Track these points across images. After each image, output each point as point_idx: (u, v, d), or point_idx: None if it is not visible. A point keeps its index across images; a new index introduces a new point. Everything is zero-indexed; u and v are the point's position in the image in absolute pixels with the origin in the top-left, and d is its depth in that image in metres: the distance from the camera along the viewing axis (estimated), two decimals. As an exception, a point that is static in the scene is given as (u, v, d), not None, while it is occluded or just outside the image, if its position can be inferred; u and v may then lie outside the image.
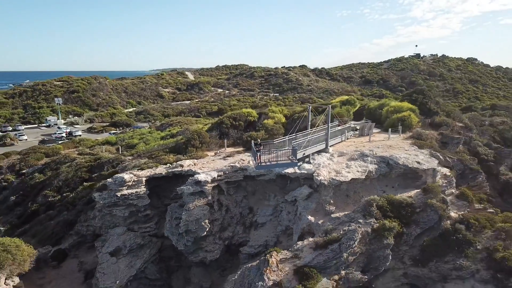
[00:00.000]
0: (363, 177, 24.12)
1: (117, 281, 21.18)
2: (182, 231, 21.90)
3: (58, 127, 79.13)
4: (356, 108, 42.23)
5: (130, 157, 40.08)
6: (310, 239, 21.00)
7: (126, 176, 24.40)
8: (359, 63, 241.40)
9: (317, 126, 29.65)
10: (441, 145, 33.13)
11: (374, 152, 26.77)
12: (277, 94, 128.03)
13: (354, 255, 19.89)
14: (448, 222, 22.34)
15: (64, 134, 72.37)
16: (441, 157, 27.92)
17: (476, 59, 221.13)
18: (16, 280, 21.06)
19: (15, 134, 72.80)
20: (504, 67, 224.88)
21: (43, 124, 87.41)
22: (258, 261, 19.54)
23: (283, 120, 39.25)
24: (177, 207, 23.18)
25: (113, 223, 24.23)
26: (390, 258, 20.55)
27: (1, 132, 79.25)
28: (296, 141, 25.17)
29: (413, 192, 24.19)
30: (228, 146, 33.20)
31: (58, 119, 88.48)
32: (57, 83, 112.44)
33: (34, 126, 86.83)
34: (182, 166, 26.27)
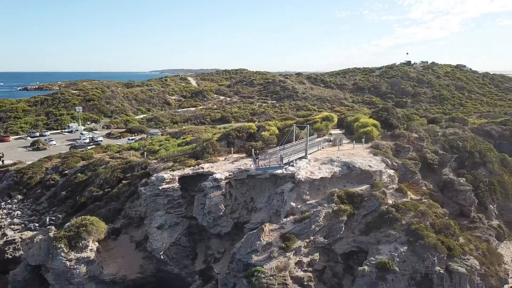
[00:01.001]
0: (330, 176, 34.80)
1: (164, 245, 31.75)
2: (205, 212, 32.56)
3: (81, 133, 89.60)
4: (334, 123, 52.98)
5: (155, 161, 50.71)
6: (291, 217, 31.67)
7: (166, 175, 35.09)
8: (354, 68, 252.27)
9: (300, 139, 40.37)
10: (395, 153, 43.86)
11: (340, 158, 37.47)
12: (275, 101, 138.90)
13: (319, 227, 30.55)
14: (385, 206, 33.00)
15: (88, 140, 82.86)
16: (389, 162, 38.70)
17: (464, 66, 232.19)
18: (96, 244, 31.71)
19: (45, 140, 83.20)
20: (491, 73, 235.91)
21: (65, 130, 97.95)
22: (257, 229, 30.20)
23: (277, 132, 50.04)
24: (202, 196, 33.79)
25: (156, 208, 34.78)
26: (343, 229, 31.19)
27: (30, 138, 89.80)
28: (283, 151, 35.95)
29: (364, 187, 34.85)
30: (234, 153, 43.86)
31: (78, 125, 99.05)
32: (74, 91, 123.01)
33: (58, 132, 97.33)
34: (203, 168, 36.98)
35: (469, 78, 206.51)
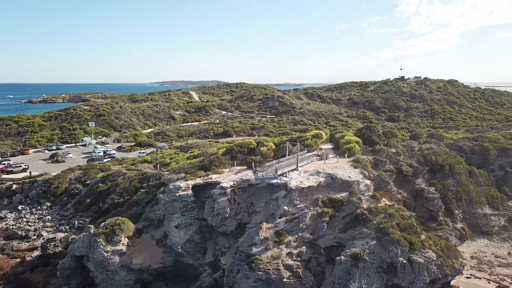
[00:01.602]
0: (316, 185, 42.42)
1: (180, 240, 39.21)
2: (214, 214, 40.10)
3: (95, 147, 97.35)
4: (323, 139, 60.83)
5: (167, 172, 58.57)
6: (284, 218, 39.20)
7: (181, 184, 42.77)
8: (351, 82, 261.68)
9: (293, 154, 48.09)
10: (374, 166, 51.57)
11: (325, 170, 45.16)
12: (273, 116, 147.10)
13: (306, 225, 38.06)
14: (360, 210, 40.53)
15: (102, 153, 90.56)
16: (366, 173, 46.38)
17: (456, 81, 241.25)
18: (127, 240, 39.20)
19: (63, 153, 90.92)
20: (490, 86, 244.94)
21: (79, 144, 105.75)
22: (256, 227, 37.72)
23: (273, 147, 57.88)
24: (211, 201, 41.34)
25: (173, 211, 42.31)
26: (326, 228, 38.67)
27: (48, 151, 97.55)
28: (278, 164, 43.68)
29: (344, 194, 42.41)
30: (236, 165, 51.55)
31: (91, 139, 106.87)
32: (86, 107, 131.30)
33: (72, 146, 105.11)
34: (211, 178, 44.67)
35: (460, 92, 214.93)
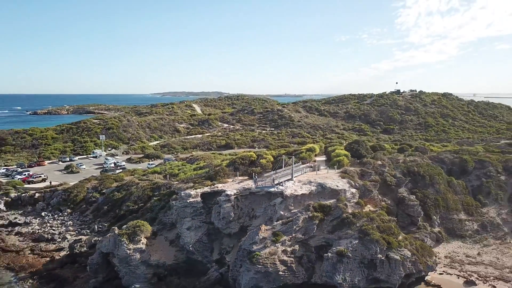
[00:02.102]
0: (308, 193, 49.08)
1: (191, 240, 45.72)
2: (220, 218, 46.69)
3: (106, 159, 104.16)
4: (316, 153, 67.64)
5: (176, 182, 65.24)
6: (280, 221, 45.77)
7: (192, 192, 49.49)
8: (350, 94, 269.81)
9: (289, 165, 54.83)
10: (361, 176, 58.26)
11: (316, 180, 51.85)
12: (273, 129, 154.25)
13: (299, 227, 44.61)
14: (346, 214, 47.10)
15: (113, 165, 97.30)
16: (352, 183, 53.09)
17: (451, 94, 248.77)
18: (145, 240, 45.77)
19: (77, 164, 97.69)
20: (476, 100, 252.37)
21: (90, 156, 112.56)
22: (256, 229, 44.30)
23: (272, 159, 64.68)
24: (218, 207, 47.95)
25: (184, 216, 48.90)
26: (316, 229, 45.21)
27: (62, 162, 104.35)
28: (275, 175, 50.42)
29: (332, 200, 49.01)
30: (239, 176, 58.26)
31: (102, 151, 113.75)
32: (95, 121, 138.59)
33: (84, 157, 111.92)
34: (217, 187, 51.38)
35: (454, 105, 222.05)
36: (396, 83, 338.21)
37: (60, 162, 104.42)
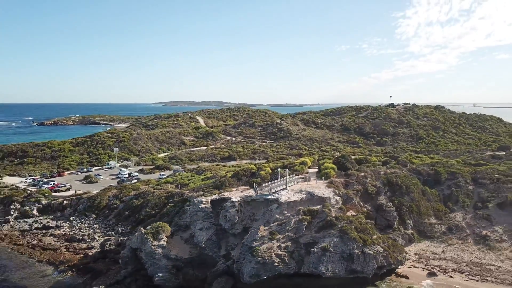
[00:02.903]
0: (299, 200, 59.43)
1: (203, 239, 56.00)
2: (227, 220, 57.04)
3: (120, 170, 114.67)
4: (308, 165, 78.12)
5: (187, 191, 75.68)
6: (276, 222, 56.09)
7: (203, 199, 59.94)
8: (347, 106, 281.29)
9: (284, 177, 65.28)
10: (345, 186, 68.71)
11: (306, 189, 62.24)
12: (272, 141, 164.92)
13: (291, 228, 54.91)
14: (330, 217, 57.38)
15: (127, 175, 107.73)
16: (337, 191, 63.49)
17: (443, 107, 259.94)
18: (166, 238, 56.10)
19: (95, 175, 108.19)
20: (474, 110, 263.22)
21: (105, 167, 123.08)
22: (256, 229, 54.64)
23: (270, 171, 75.14)
24: (224, 211, 58.26)
25: (197, 219, 59.22)
26: (305, 229, 55.47)
27: (80, 173, 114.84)
28: (272, 184, 60.94)
29: (319, 206, 59.35)
30: (242, 185, 68.66)
31: (115, 163, 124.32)
32: (108, 134, 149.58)
33: (99, 168, 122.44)
34: (223, 195, 61.82)
35: (446, 118, 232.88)
36: (390, 96, 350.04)
37: (79, 173, 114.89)
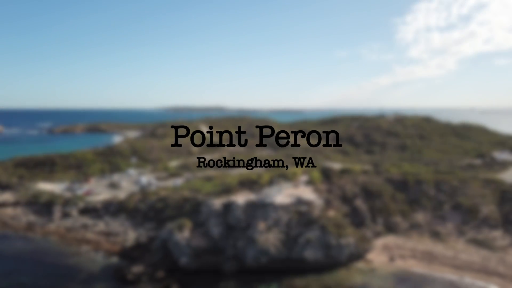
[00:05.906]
0: (290, 202, 76.66)
1: (217, 231, 73.13)
2: (234, 218, 74.25)
3: (140, 177, 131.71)
4: (299, 174, 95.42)
5: (201, 196, 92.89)
6: (271, 219, 73.28)
7: (215, 202, 77.31)
8: (343, 116, 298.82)
9: (279, 184, 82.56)
10: (328, 191, 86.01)
11: (296, 194, 79.54)
12: (271, 151, 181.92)
13: (283, 223, 72.09)
14: (314, 216, 74.52)
15: (145, 182, 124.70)
16: (320, 195, 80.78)
17: (432, 118, 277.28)
18: (188, 231, 73.35)
19: (117, 181, 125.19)
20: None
21: (125, 174, 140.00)
22: (257, 224, 71.87)
23: (268, 179, 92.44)
24: (232, 211, 75.56)
25: (210, 218, 76.44)
26: (294, 225, 72.63)
27: (104, 180, 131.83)
28: (269, 190, 78.27)
29: (306, 207, 76.53)
30: (245, 191, 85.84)
31: (133, 171, 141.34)
32: (125, 145, 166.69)
33: (120, 176, 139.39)
34: (231, 198, 79.13)
35: (433, 128, 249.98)
36: (382, 108, 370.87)
37: (103, 180, 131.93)
